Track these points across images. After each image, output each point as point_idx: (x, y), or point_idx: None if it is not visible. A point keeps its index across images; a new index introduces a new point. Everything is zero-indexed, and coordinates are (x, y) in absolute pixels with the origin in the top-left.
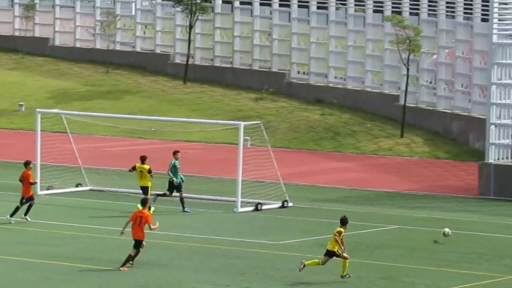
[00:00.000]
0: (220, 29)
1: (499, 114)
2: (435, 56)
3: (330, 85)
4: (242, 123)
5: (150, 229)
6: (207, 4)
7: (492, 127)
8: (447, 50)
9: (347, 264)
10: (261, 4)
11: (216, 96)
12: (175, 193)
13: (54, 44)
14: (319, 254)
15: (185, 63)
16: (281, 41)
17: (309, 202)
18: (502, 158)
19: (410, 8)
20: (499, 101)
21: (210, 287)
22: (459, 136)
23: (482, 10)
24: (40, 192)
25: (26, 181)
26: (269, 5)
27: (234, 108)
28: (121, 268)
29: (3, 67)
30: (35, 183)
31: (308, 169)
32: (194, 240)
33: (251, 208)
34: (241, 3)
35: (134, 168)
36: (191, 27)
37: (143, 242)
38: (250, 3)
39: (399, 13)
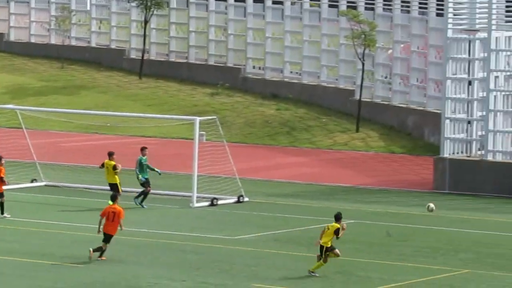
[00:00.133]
0: (176, 24)
1: (454, 108)
2: (390, 51)
3: (285, 80)
4: (198, 118)
5: (121, 226)
6: None
7: (447, 121)
8: (402, 45)
9: (323, 265)
10: None
11: (171, 91)
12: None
13: (9, 40)
14: (275, 248)
15: (140, 58)
16: (236, 36)
17: (265, 197)
18: (457, 152)
19: (365, 3)
20: (454, 96)
21: (166, 282)
22: (414, 130)
23: (437, 4)
24: None
25: None
26: (225, 0)
27: (190, 103)
28: (99, 258)
29: None
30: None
31: (264, 164)
32: (150, 236)
33: (207, 203)
34: None
35: (103, 165)
36: (146, 22)
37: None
38: None
39: (354, 8)
